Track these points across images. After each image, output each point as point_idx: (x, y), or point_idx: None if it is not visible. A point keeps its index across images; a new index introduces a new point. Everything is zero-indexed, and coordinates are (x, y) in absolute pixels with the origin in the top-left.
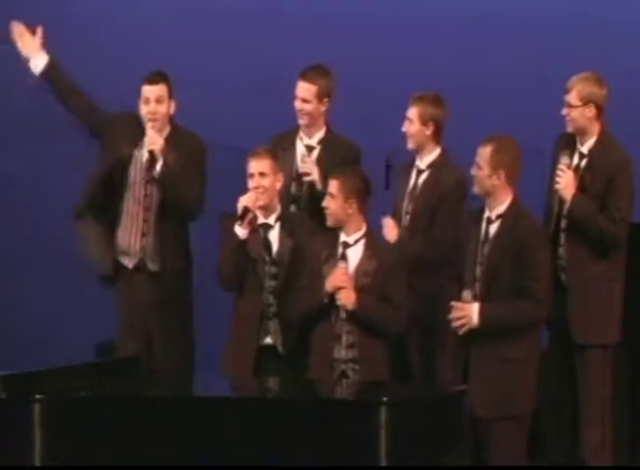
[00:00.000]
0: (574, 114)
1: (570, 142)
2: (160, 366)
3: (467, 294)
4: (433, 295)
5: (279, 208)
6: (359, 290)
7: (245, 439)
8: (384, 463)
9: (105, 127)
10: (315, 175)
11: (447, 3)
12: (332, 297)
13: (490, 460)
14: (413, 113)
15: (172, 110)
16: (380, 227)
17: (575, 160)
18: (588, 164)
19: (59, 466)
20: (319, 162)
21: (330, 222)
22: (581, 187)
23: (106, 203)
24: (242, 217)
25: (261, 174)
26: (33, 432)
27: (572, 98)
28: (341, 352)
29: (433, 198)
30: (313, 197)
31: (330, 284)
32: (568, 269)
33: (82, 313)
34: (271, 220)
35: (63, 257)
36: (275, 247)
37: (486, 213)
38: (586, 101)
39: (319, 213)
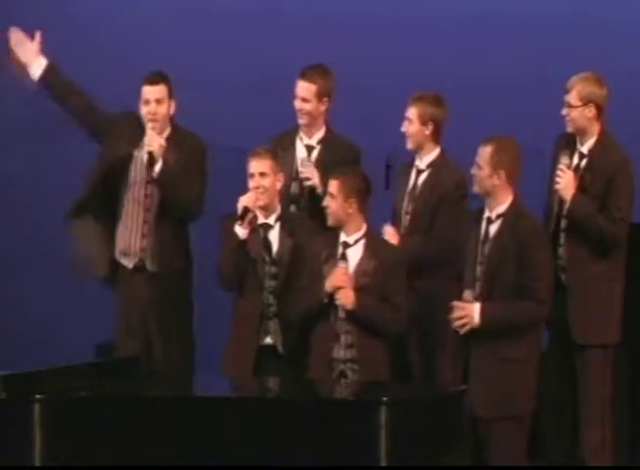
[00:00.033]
0: (574, 114)
1: (570, 142)
2: (160, 366)
3: (468, 294)
4: (433, 295)
5: (279, 208)
6: (359, 290)
7: (245, 439)
8: (384, 463)
9: (105, 127)
10: (316, 180)
11: (447, 3)
12: (331, 297)
13: (490, 460)
14: (412, 113)
15: (172, 110)
16: (380, 227)
17: (575, 160)
18: (588, 164)
19: (59, 466)
20: (319, 161)
21: (330, 222)
22: (581, 187)
23: (105, 202)
24: (242, 217)
25: (261, 174)
26: (33, 432)
27: (572, 98)
28: (339, 352)
29: (432, 198)
30: (313, 197)
31: (330, 284)
32: (568, 269)
33: (82, 313)
34: (271, 220)
35: (63, 257)
36: (275, 247)
37: (486, 213)
38: (586, 101)
39: (319, 213)
